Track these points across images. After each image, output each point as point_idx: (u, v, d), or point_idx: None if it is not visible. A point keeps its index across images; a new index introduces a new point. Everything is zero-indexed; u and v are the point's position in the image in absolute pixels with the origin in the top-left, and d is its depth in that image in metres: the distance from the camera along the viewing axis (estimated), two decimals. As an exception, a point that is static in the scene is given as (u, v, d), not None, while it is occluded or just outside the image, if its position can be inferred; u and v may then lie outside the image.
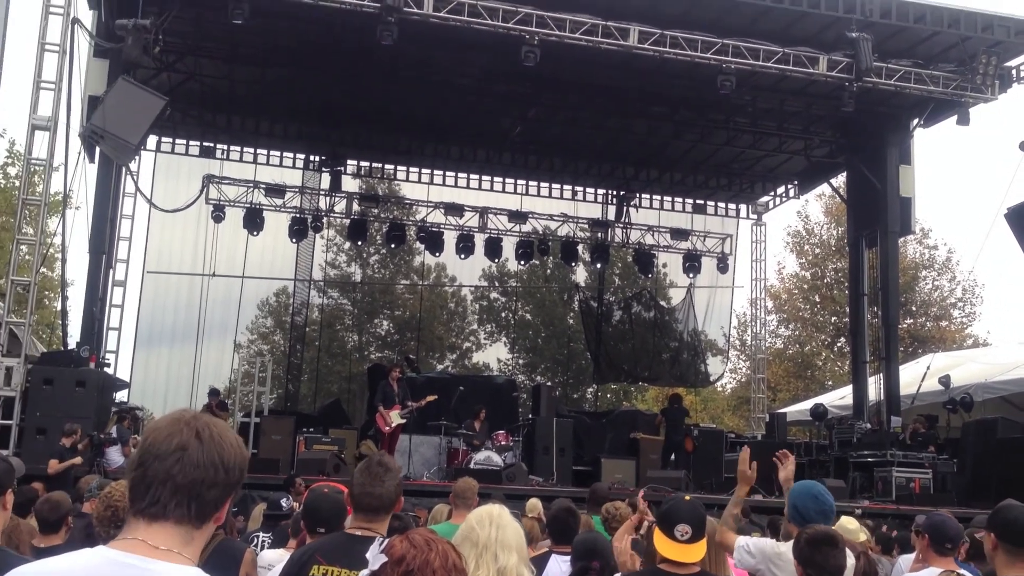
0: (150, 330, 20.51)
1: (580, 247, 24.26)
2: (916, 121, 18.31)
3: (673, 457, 16.99)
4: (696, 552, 3.83)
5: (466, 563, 3.49)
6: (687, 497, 4.09)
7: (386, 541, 2.44)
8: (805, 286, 37.60)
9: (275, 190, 20.91)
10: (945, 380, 18.27)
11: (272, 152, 21.32)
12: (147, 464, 1.80)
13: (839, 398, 23.40)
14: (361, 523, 3.49)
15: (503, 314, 35.28)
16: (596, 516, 7.78)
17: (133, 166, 17.87)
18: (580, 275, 26.71)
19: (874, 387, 19.33)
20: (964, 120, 16.22)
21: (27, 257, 15.01)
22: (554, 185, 23.12)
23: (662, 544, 3.83)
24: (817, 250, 37.25)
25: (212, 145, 20.64)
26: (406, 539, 2.43)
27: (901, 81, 15.67)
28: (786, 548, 4.37)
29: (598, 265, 24.75)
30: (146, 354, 20.39)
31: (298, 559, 3.42)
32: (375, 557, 2.34)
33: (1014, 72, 16.62)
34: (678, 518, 3.81)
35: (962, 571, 4.54)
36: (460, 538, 3.56)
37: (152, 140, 19.22)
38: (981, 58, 15.33)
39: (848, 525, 6.96)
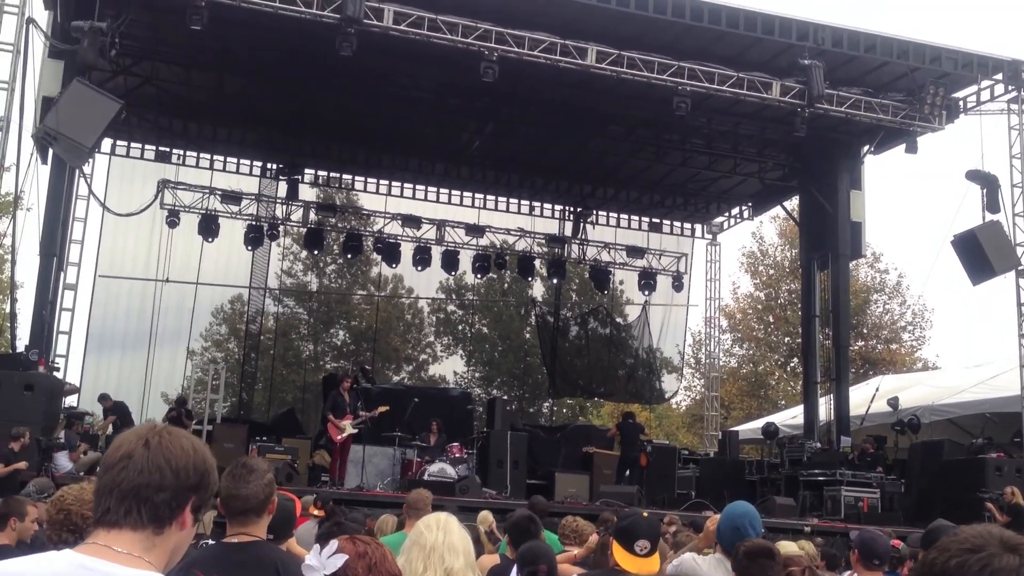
0: (101, 335, 20.20)
1: (537, 262, 24.37)
2: (867, 147, 18.74)
3: (628, 472, 17.12)
4: (652, 564, 4.10)
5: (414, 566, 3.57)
6: (645, 513, 4.26)
7: (332, 543, 2.46)
8: (759, 306, 38.09)
9: (231, 197, 20.72)
10: (893, 402, 18.65)
11: (229, 159, 21.14)
12: (101, 475, 1.87)
13: (791, 417, 23.73)
14: (237, 529, 3.46)
15: (460, 327, 35.27)
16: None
17: (87, 168, 17.65)
18: (537, 290, 26.83)
19: (824, 407, 19.63)
20: (912, 148, 16.63)
21: (-25, 258, 14.74)
22: (512, 200, 23.24)
23: (621, 557, 4.06)
24: (771, 271, 37.78)
25: (168, 150, 20.43)
26: (355, 539, 2.48)
27: (851, 109, 16.04)
28: (703, 561, 4.54)
29: (554, 280, 24.88)
30: (97, 359, 20.07)
31: (176, 574, 3.36)
32: (327, 559, 2.35)
33: (961, 103, 17.10)
34: (638, 534, 4.05)
35: None
36: (409, 542, 3.62)
37: (107, 143, 18.99)
38: (929, 89, 15.74)
39: (787, 548, 7.16)
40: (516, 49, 14.43)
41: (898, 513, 15.36)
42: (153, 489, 1.83)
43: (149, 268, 20.41)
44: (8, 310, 18.92)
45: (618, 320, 26.48)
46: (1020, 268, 16.06)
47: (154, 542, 1.84)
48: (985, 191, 16.18)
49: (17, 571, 1.77)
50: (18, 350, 14.37)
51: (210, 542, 6.43)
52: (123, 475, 1.83)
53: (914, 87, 16.20)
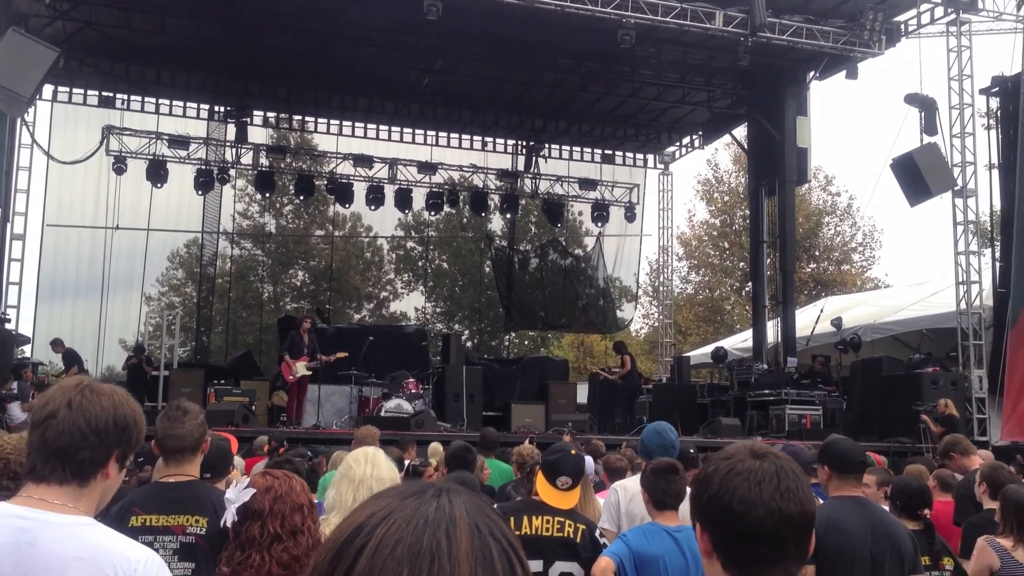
0: (52, 284, 20.11)
1: (492, 197, 24.47)
2: (812, 74, 18.93)
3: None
4: (572, 499, 4.42)
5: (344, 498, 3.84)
6: (573, 452, 4.55)
7: (247, 479, 2.75)
8: (715, 233, 38.62)
9: (179, 141, 20.53)
10: (837, 322, 19.21)
11: (175, 103, 20.86)
12: (30, 432, 2.08)
13: (742, 341, 24.33)
14: (172, 470, 3.66)
15: (420, 263, 35.42)
16: (489, 459, 8.23)
17: (29, 116, 17.42)
18: (496, 224, 26.95)
19: (773, 330, 20.16)
20: (852, 74, 16.87)
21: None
22: (464, 136, 23.22)
23: (543, 489, 4.34)
24: (726, 198, 38.21)
25: (111, 95, 20.10)
26: (266, 474, 2.77)
27: (793, 37, 16.20)
28: (631, 483, 4.86)
29: (508, 215, 25.05)
30: (49, 308, 20.02)
31: (116, 513, 3.42)
32: (240, 492, 2.63)
33: (902, 27, 17.33)
34: (562, 470, 4.33)
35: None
36: (339, 476, 3.89)
37: (48, 89, 18.68)
38: (868, 14, 15.93)
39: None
40: (458, -15, 14.35)
41: (839, 429, 15.94)
42: (75, 449, 2.02)
43: (98, 216, 20.26)
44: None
45: (576, 251, 26.76)
46: (956, 188, 16.50)
47: (81, 493, 2.04)
48: (923, 114, 16.51)
49: None
50: (-32, 303, 14.36)
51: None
52: (47, 435, 2.02)
53: (855, 12, 16.38)
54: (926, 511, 4.96)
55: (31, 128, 18.10)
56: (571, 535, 4.28)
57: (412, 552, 0.94)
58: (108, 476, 2.09)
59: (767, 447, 1.77)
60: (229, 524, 2.56)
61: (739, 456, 1.73)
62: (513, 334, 32.07)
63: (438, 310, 36.05)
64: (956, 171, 16.54)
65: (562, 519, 4.30)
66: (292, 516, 2.56)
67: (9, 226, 17.04)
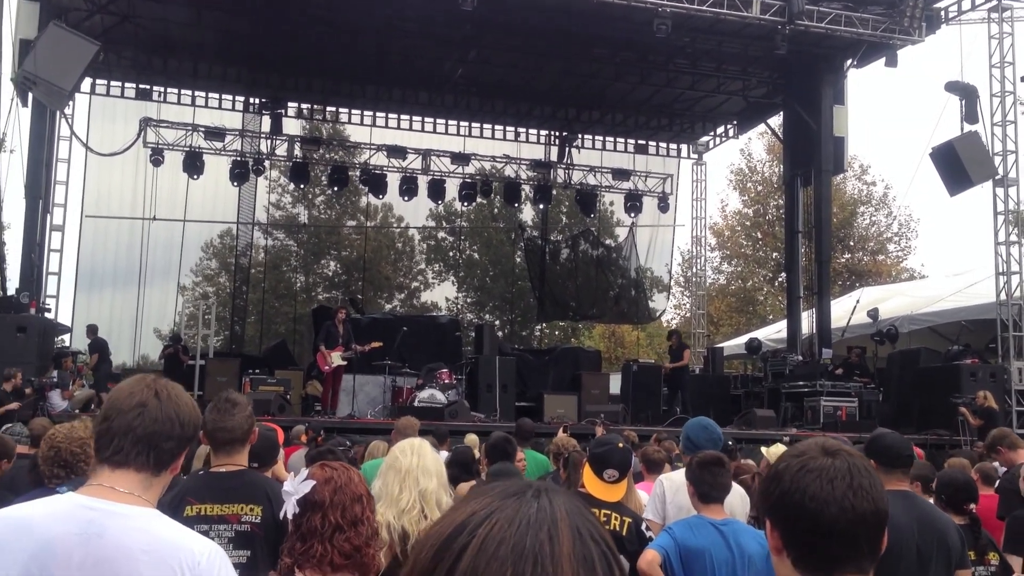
0: (91, 274, 20.39)
1: (523, 187, 24.43)
2: (849, 62, 18.68)
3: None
4: (619, 491, 4.43)
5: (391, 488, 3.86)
6: (620, 444, 4.53)
7: (305, 471, 2.78)
8: (748, 223, 38.29)
9: (215, 133, 20.67)
10: (873, 313, 18.97)
11: (211, 95, 21.04)
12: (111, 418, 2.13)
13: (775, 332, 24.13)
14: (221, 460, 3.72)
15: (451, 253, 35.47)
16: (525, 450, 8.26)
17: (68, 109, 17.63)
18: (527, 214, 26.89)
19: (807, 321, 19.96)
20: (892, 62, 16.63)
21: (-39, 202, 14.83)
22: (497, 127, 23.20)
23: (590, 481, 4.34)
24: (760, 187, 37.86)
25: (149, 87, 20.32)
26: (324, 465, 2.80)
27: (831, 24, 16.00)
28: (677, 476, 4.84)
29: (541, 205, 25.00)
30: (87, 298, 20.28)
31: (169, 503, 3.41)
32: (299, 484, 2.66)
33: (943, 13, 17.05)
34: (609, 463, 4.32)
35: None
36: (385, 467, 3.91)
37: (87, 82, 18.87)
38: (908, 0, 15.69)
39: (774, 450, 7.54)
40: (493, -24, 14.32)
41: (875, 420, 15.77)
42: (163, 437, 2.12)
43: (136, 207, 20.50)
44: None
45: (608, 242, 26.66)
46: (996, 177, 16.24)
47: (152, 482, 2.12)
48: (964, 102, 16.26)
49: (23, 515, 2.04)
50: (9, 293, 14.57)
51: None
52: (138, 421, 2.10)
53: (894, -1, 16.16)
54: (972, 505, 4.91)
55: (70, 120, 18.32)
56: (617, 528, 4.28)
57: (515, 553, 0.94)
58: (176, 469, 2.20)
59: (839, 444, 1.76)
60: (290, 516, 2.60)
61: (811, 453, 1.72)
62: (544, 324, 32.02)
63: (469, 300, 36.10)
64: (997, 160, 16.29)
65: (608, 512, 4.30)
66: (352, 506, 2.60)
67: (49, 217, 17.27)
